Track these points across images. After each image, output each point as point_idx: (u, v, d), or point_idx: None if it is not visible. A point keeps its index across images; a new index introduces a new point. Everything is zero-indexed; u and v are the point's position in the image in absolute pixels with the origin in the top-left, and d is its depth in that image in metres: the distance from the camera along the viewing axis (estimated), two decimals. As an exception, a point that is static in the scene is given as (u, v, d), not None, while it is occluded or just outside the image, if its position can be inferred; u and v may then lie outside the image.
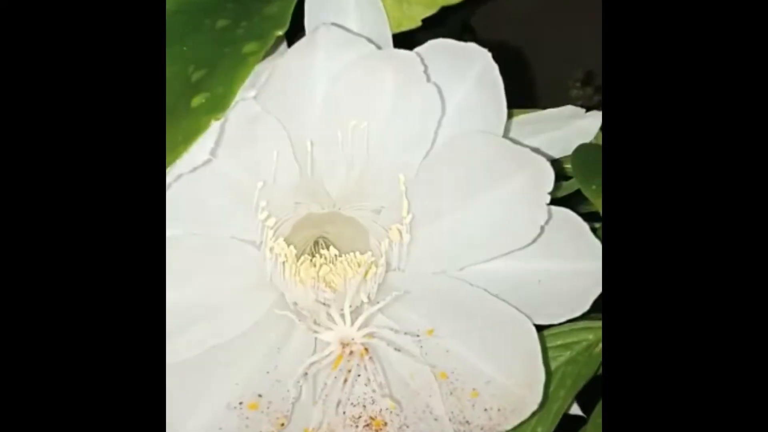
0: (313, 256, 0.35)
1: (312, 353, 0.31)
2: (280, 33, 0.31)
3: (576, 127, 0.36)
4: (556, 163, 0.37)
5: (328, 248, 0.36)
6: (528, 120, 0.37)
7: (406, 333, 0.31)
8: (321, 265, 0.33)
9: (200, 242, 0.32)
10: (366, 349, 0.29)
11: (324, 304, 0.30)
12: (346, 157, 0.32)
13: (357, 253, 0.34)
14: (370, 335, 0.29)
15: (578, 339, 0.35)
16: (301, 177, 0.33)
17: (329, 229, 0.37)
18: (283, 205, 0.34)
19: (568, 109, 0.36)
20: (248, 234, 0.33)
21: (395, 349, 0.29)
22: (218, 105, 0.27)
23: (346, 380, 0.28)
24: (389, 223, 0.33)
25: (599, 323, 0.35)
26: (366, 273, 0.32)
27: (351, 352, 0.28)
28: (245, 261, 0.33)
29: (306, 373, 0.28)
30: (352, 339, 0.28)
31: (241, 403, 0.30)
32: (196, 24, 0.34)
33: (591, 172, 0.31)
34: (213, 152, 0.27)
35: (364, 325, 0.29)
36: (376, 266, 0.33)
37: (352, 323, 0.29)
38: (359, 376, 0.29)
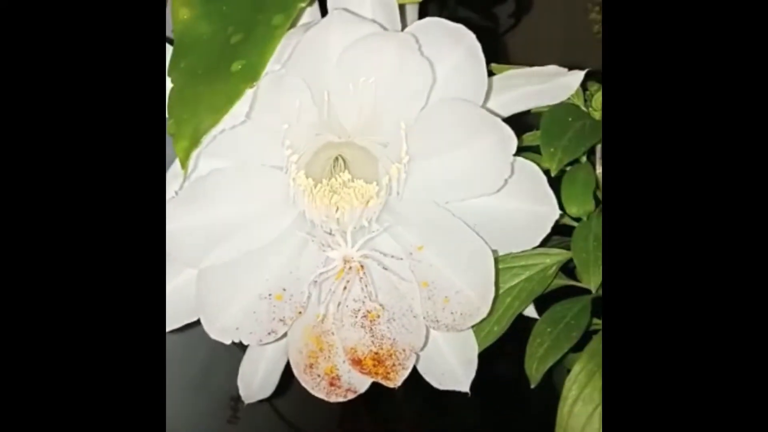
0: (332, 176, 0.44)
1: (324, 260, 0.40)
2: (302, 5, 0.37)
3: (558, 82, 0.42)
4: (535, 115, 0.44)
5: (345, 169, 0.44)
6: (518, 74, 0.43)
7: (399, 251, 0.41)
8: (332, 194, 0.42)
9: (236, 170, 0.40)
10: (362, 266, 0.38)
11: (330, 233, 0.39)
12: (357, 103, 0.39)
13: (363, 182, 0.42)
14: (365, 256, 0.38)
15: (536, 262, 0.43)
16: (320, 117, 0.40)
17: (346, 152, 0.45)
18: (306, 138, 0.41)
19: (553, 68, 0.42)
20: (277, 162, 0.41)
21: (383, 267, 0.38)
22: (253, 73, 0.34)
23: (345, 287, 0.38)
24: (393, 155, 0.41)
25: (556, 251, 0.43)
26: (368, 202, 0.41)
27: (350, 268, 0.38)
28: (273, 184, 0.41)
29: (315, 281, 0.38)
30: (352, 257, 0.38)
31: (270, 295, 0.40)
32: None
33: (554, 135, 0.37)
34: (248, 114, 0.34)
35: (362, 246, 0.38)
36: (378, 197, 0.41)
37: (353, 245, 0.38)
38: (357, 281, 0.39)
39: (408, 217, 0.41)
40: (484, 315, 0.38)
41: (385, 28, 0.36)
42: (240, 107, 0.34)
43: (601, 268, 0.39)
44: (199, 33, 0.38)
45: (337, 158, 0.45)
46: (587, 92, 0.44)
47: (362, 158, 0.44)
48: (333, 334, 0.41)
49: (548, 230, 0.38)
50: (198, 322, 0.39)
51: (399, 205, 0.42)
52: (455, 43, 0.35)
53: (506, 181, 0.37)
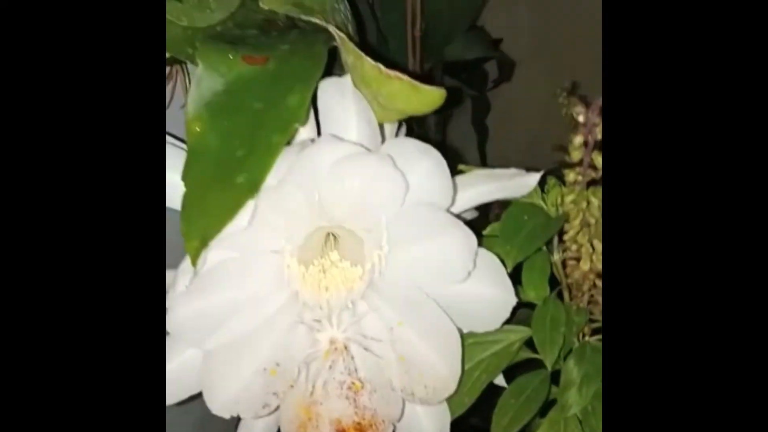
0: (323, 255, 0.50)
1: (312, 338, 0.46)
2: (297, 125, 0.44)
3: (518, 182, 0.48)
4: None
5: (335, 249, 0.50)
6: (483, 173, 0.50)
7: (381, 328, 0.46)
8: (321, 277, 0.48)
9: (236, 260, 0.45)
10: (345, 347, 0.44)
11: (317, 321, 0.44)
12: (345, 201, 0.46)
13: (350, 264, 0.48)
14: (348, 338, 0.44)
15: (502, 338, 0.49)
16: (311, 212, 0.46)
17: (336, 231, 0.51)
18: (300, 227, 0.48)
19: (513, 170, 0.49)
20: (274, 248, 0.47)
21: (365, 348, 0.44)
22: (254, 186, 0.41)
23: (330, 366, 0.44)
24: (375, 242, 0.47)
25: (520, 328, 0.49)
26: (352, 286, 0.47)
27: (336, 348, 0.43)
28: (269, 270, 0.47)
29: (306, 362, 0.44)
30: (337, 339, 0.44)
31: (265, 369, 0.46)
32: (239, 103, 0.46)
33: (511, 234, 0.43)
34: (250, 222, 0.41)
35: (347, 329, 0.44)
36: (361, 280, 0.47)
37: (338, 327, 0.44)
38: (341, 360, 0.44)
39: (390, 295, 0.47)
40: (453, 391, 0.44)
41: (367, 148, 0.43)
42: (243, 214, 0.41)
43: (558, 346, 0.45)
44: (208, 145, 0.45)
45: (328, 235, 0.51)
46: (546, 187, 0.51)
47: (350, 239, 0.50)
48: (321, 404, 0.46)
49: (507, 315, 0.44)
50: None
51: (382, 284, 0.48)
52: (423, 157, 0.42)
53: (470, 273, 0.43)
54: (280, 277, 0.46)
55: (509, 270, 0.43)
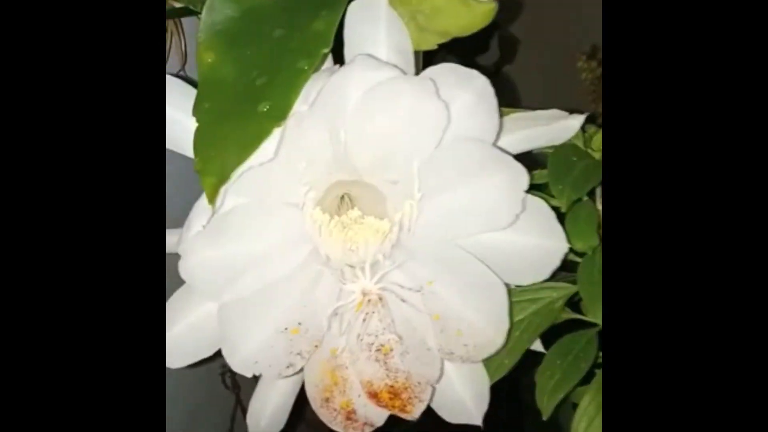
0: (339, 214, 0.45)
1: (339, 292, 0.41)
2: (326, 50, 0.39)
3: (561, 125, 0.44)
4: (540, 154, 0.46)
5: (352, 207, 0.46)
6: (523, 116, 0.45)
7: (410, 285, 0.42)
8: (347, 229, 0.43)
9: (255, 207, 0.41)
10: (380, 298, 0.39)
11: (350, 266, 0.40)
12: (372, 142, 0.41)
13: (376, 219, 0.43)
14: (383, 288, 0.39)
15: (543, 296, 0.44)
16: (335, 156, 0.42)
17: (353, 190, 0.46)
18: (320, 176, 0.43)
19: (555, 111, 0.45)
20: (294, 200, 0.43)
21: (401, 300, 0.39)
22: (280, 113, 0.36)
23: (364, 319, 0.39)
24: (404, 192, 0.42)
25: (562, 284, 0.45)
26: (383, 238, 0.42)
27: (369, 301, 0.39)
28: (289, 220, 0.42)
29: (336, 313, 0.39)
30: (371, 290, 0.39)
31: (286, 329, 0.41)
32: (256, 31, 0.42)
33: (561, 174, 0.39)
34: (276, 152, 0.36)
35: (380, 280, 0.39)
36: (391, 232, 0.42)
37: (371, 278, 0.39)
38: (374, 313, 0.40)
39: (418, 253, 0.43)
40: (500, 346, 0.39)
41: (404, 72, 0.38)
42: (267, 145, 0.36)
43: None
44: (223, 76, 0.40)
45: (343, 197, 0.47)
46: (586, 134, 0.47)
47: (370, 196, 0.45)
48: (347, 368, 0.42)
49: (558, 264, 0.40)
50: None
51: (409, 241, 0.43)
52: (468, 86, 0.38)
53: (517, 216, 0.39)
54: (301, 230, 0.42)
55: (564, 210, 0.38)
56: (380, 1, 0.38)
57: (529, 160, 0.45)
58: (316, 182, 0.42)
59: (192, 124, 0.38)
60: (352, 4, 0.39)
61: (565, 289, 0.44)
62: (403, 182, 0.43)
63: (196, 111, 0.39)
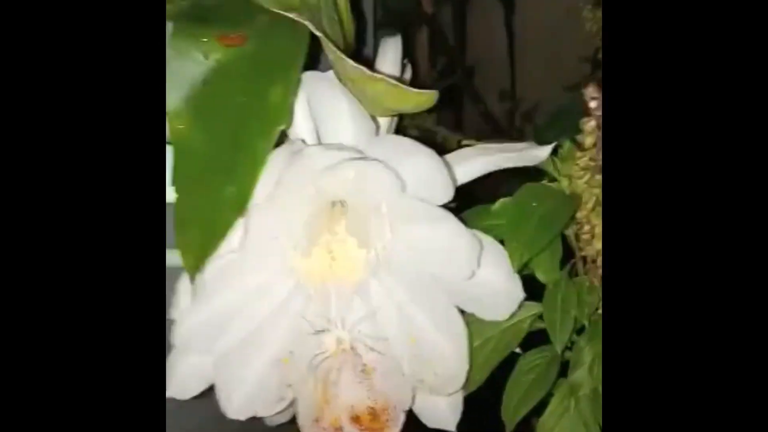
0: (330, 220, 0.48)
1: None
2: (283, 128, 0.40)
3: (529, 154, 0.45)
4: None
5: (342, 216, 0.49)
6: (491, 145, 0.46)
7: (391, 303, 0.46)
8: (327, 263, 0.46)
9: (235, 260, 0.44)
10: (353, 347, 0.44)
11: (322, 330, 0.44)
12: (344, 190, 0.44)
13: (356, 245, 0.47)
14: (354, 339, 0.44)
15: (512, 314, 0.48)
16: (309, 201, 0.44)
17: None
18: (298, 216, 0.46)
19: (524, 144, 0.45)
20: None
21: (371, 349, 0.44)
22: (243, 200, 0.39)
23: (339, 368, 0.44)
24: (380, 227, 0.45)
25: (531, 304, 0.48)
26: (357, 273, 0.46)
27: (343, 349, 0.44)
28: (271, 260, 0.46)
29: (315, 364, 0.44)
30: (344, 339, 0.44)
31: (278, 360, 0.47)
32: (220, 96, 0.42)
33: (518, 228, 0.41)
34: (240, 245, 0.39)
35: (351, 328, 0.44)
36: (366, 266, 0.46)
37: (344, 326, 0.44)
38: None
39: (399, 274, 0.46)
40: (461, 384, 0.44)
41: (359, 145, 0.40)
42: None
43: (568, 330, 0.44)
44: (194, 145, 0.42)
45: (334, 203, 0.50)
46: (560, 153, 0.47)
47: (356, 212, 0.48)
48: (336, 388, 0.48)
49: (515, 308, 0.43)
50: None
51: (391, 264, 0.46)
52: (415, 155, 0.40)
53: (474, 273, 0.42)
54: (283, 265, 0.45)
55: (516, 270, 0.41)
56: (332, 77, 0.39)
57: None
58: (295, 220, 0.45)
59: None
60: (306, 75, 0.40)
61: (533, 309, 0.48)
62: (377, 216, 0.45)
63: (174, 182, 0.42)
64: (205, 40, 0.42)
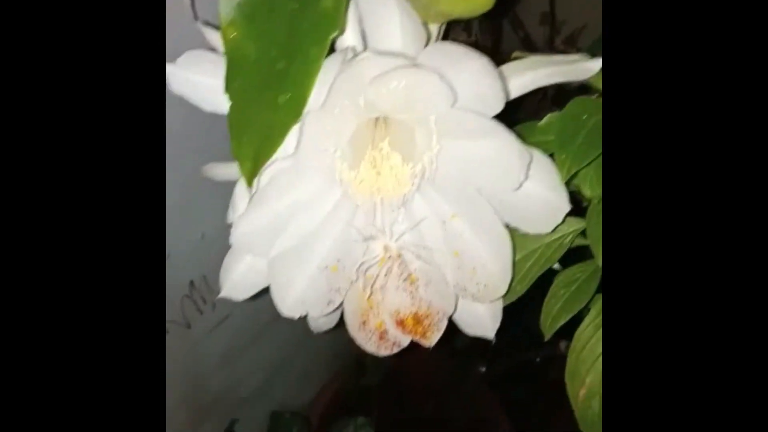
0: (373, 139, 0.49)
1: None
2: (335, 35, 0.40)
3: (581, 66, 0.45)
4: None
5: (385, 135, 0.50)
6: (541, 58, 0.46)
7: (435, 217, 0.47)
8: (373, 178, 0.48)
9: (288, 169, 0.46)
10: (399, 254, 0.45)
11: (371, 237, 0.46)
12: (391, 101, 0.44)
13: (401, 159, 0.48)
14: (401, 247, 0.45)
15: (556, 229, 0.49)
16: (357, 113, 0.45)
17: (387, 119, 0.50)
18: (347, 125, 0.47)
19: (576, 55, 0.45)
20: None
21: (417, 257, 0.46)
22: (298, 106, 0.39)
23: (386, 273, 0.46)
24: (427, 138, 0.46)
25: (574, 220, 0.49)
26: (404, 186, 0.47)
27: (390, 256, 0.45)
28: (321, 175, 0.47)
29: (362, 269, 0.46)
30: (390, 247, 0.45)
31: (326, 267, 0.49)
32: (272, 4, 0.42)
33: (566, 139, 0.41)
34: (296, 148, 0.40)
35: (399, 236, 0.45)
36: (413, 179, 0.47)
37: (391, 237, 0.45)
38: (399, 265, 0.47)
39: (443, 188, 0.47)
40: (503, 292, 0.46)
41: (411, 54, 0.40)
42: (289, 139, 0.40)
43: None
44: (247, 53, 0.43)
45: (377, 119, 0.50)
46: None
47: (401, 128, 0.49)
48: (380, 294, 0.50)
49: (560, 221, 0.44)
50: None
51: (436, 177, 0.47)
52: (467, 63, 0.40)
53: (521, 184, 0.42)
54: (332, 176, 0.47)
55: (564, 180, 0.41)
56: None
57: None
58: (344, 130, 0.46)
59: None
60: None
61: (575, 224, 0.49)
62: (424, 130, 0.46)
63: (228, 89, 0.43)
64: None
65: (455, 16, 0.40)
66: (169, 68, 0.44)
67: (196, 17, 0.50)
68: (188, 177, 0.58)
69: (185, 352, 0.89)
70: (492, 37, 1.26)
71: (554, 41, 1.23)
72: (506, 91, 0.41)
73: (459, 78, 0.40)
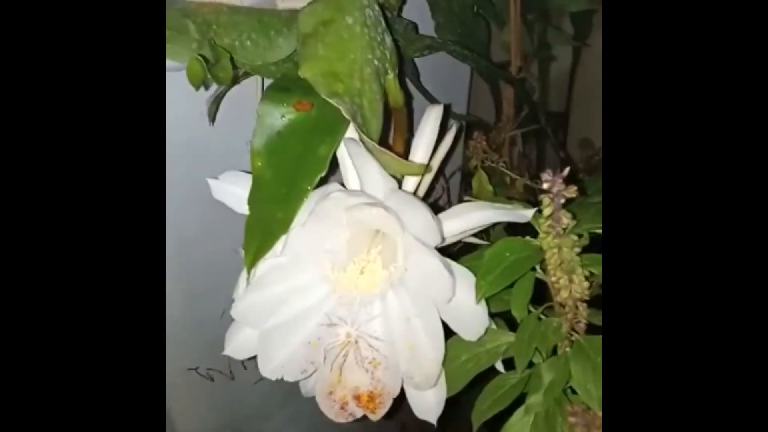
0: (371, 244, 0.63)
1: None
2: (322, 175, 0.56)
3: (517, 213, 0.57)
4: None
5: (379, 244, 0.64)
6: (487, 204, 0.59)
7: (401, 313, 0.60)
8: (357, 277, 0.61)
9: (288, 264, 0.61)
10: (356, 341, 0.58)
11: (340, 320, 0.59)
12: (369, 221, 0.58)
13: (381, 267, 0.61)
14: (358, 336, 0.58)
15: (494, 339, 0.59)
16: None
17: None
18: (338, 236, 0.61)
19: (513, 205, 0.57)
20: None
21: (370, 345, 0.58)
22: (288, 221, 0.55)
23: (345, 355, 0.59)
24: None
25: (509, 334, 0.59)
26: (378, 287, 0.60)
27: (349, 342, 0.58)
28: (313, 272, 0.62)
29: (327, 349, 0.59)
30: (351, 333, 0.58)
31: (308, 343, 0.62)
32: (288, 147, 0.59)
33: (488, 270, 0.53)
34: (283, 250, 0.55)
35: (359, 326, 0.58)
36: (384, 283, 0.60)
37: (353, 324, 0.58)
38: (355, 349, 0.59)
39: (411, 290, 0.60)
40: (433, 384, 0.57)
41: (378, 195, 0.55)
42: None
43: (528, 358, 0.55)
44: (266, 177, 0.59)
45: (377, 231, 0.64)
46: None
47: (390, 240, 0.63)
48: (347, 372, 0.62)
49: (482, 332, 0.55)
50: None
51: (406, 283, 0.60)
52: (415, 209, 0.53)
53: (450, 300, 0.54)
54: (323, 273, 0.61)
55: (477, 302, 0.53)
56: (361, 148, 0.54)
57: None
58: (336, 239, 0.61)
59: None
60: (345, 139, 0.55)
61: (510, 337, 0.59)
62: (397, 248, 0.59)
63: (250, 201, 0.59)
64: (285, 105, 0.59)
65: (402, 174, 0.54)
66: (212, 182, 0.61)
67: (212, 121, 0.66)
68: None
69: (225, 402, 0.98)
70: (536, 154, 1.40)
71: (591, 161, 1.34)
72: (441, 230, 0.54)
73: (408, 216, 0.54)
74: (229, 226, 0.60)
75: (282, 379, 0.60)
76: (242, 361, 0.95)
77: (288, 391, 1.06)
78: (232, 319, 0.61)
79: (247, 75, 0.67)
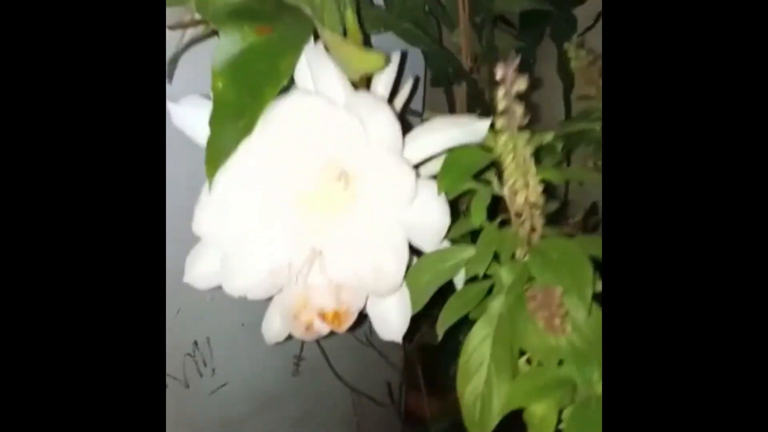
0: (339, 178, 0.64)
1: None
2: (283, 83, 0.57)
3: (471, 127, 0.59)
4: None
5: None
6: (443, 120, 0.61)
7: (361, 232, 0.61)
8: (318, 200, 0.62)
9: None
10: (321, 252, 0.58)
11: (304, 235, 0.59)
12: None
13: (343, 188, 0.62)
14: (323, 247, 0.58)
15: (458, 254, 0.60)
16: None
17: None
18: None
19: (466, 119, 0.59)
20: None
21: (336, 255, 0.59)
22: (249, 128, 0.56)
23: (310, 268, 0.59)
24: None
25: (470, 248, 0.60)
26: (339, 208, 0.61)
27: (314, 254, 0.58)
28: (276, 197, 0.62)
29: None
30: (315, 247, 0.58)
31: (274, 259, 0.62)
32: (249, 65, 0.60)
33: (447, 169, 0.55)
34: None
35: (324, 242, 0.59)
36: (346, 203, 0.61)
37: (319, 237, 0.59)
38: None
39: (373, 207, 0.60)
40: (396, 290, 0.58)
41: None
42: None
43: (486, 263, 0.56)
44: (228, 99, 0.59)
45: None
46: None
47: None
48: (313, 296, 0.62)
49: (444, 233, 0.56)
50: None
51: (365, 201, 0.60)
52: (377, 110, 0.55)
53: (412, 200, 0.56)
54: (286, 193, 0.61)
55: (439, 194, 0.55)
56: (320, 47, 0.56)
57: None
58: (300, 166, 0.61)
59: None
60: (307, 48, 0.57)
61: (469, 252, 0.60)
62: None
63: (211, 120, 0.59)
64: (246, 28, 0.60)
65: (362, 72, 0.56)
66: (172, 107, 0.61)
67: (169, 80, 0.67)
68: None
69: (179, 412, 0.89)
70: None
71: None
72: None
73: (370, 120, 0.55)
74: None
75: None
76: (198, 369, 0.87)
77: (249, 409, 0.94)
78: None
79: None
